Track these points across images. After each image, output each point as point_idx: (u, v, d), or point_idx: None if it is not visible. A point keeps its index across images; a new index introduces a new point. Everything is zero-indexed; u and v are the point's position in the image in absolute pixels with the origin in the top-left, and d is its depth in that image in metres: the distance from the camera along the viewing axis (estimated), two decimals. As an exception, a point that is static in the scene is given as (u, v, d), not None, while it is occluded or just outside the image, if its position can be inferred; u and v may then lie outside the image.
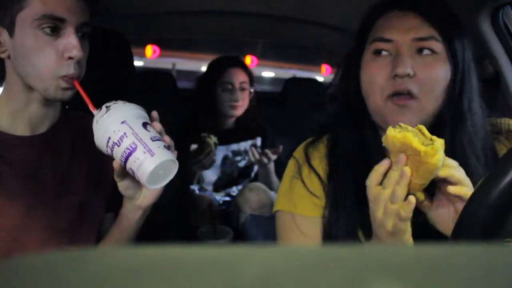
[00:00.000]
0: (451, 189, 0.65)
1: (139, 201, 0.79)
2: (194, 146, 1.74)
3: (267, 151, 1.74)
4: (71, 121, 0.89)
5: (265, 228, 1.39)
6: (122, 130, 0.69)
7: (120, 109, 0.70)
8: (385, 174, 0.67)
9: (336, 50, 2.13)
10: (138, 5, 1.48)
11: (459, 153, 0.74)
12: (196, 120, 1.84)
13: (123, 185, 0.77)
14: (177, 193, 1.30)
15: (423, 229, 0.71)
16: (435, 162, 0.62)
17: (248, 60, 4.64)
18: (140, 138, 0.69)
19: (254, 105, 1.89)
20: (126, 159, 0.69)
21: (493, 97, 1.09)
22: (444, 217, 0.68)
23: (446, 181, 0.66)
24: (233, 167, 1.89)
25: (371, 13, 0.83)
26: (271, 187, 1.74)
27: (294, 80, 2.78)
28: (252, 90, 1.86)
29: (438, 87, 0.76)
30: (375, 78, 0.78)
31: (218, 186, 1.88)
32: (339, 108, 0.88)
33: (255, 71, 3.03)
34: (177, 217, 1.41)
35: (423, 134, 0.65)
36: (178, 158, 0.72)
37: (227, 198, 1.84)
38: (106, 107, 0.71)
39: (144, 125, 0.71)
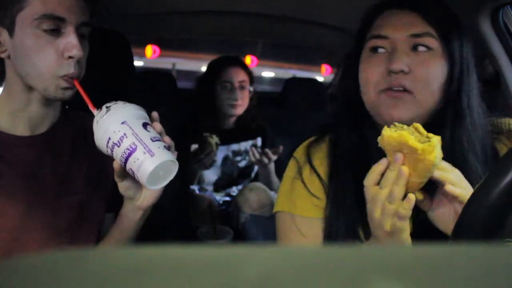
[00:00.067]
0: (448, 187, 0.65)
1: (139, 202, 0.79)
2: (194, 146, 1.74)
3: (267, 150, 1.74)
4: (71, 121, 0.89)
5: (265, 228, 1.39)
6: (122, 130, 0.69)
7: (120, 110, 0.70)
8: (383, 174, 0.67)
9: (336, 50, 2.13)
10: (138, 5, 1.48)
11: (458, 152, 0.74)
12: (196, 120, 1.83)
13: (123, 186, 0.77)
14: (177, 193, 1.30)
15: (423, 227, 0.71)
16: (432, 158, 0.62)
17: (248, 60, 4.64)
18: (140, 139, 0.69)
19: (254, 104, 1.89)
20: (126, 159, 0.69)
21: (493, 97, 1.09)
22: (445, 216, 0.68)
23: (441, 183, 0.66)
24: (234, 167, 1.89)
25: (370, 12, 0.84)
26: (271, 187, 1.74)
27: (294, 80, 2.78)
28: (251, 89, 1.86)
29: (434, 83, 0.76)
30: (371, 74, 0.78)
31: (218, 186, 1.87)
32: (339, 108, 0.89)
33: (255, 71, 3.03)
34: (177, 217, 1.41)
35: (419, 132, 0.65)
36: (178, 159, 0.72)
37: (227, 198, 1.84)
38: (106, 107, 0.71)
39: (144, 125, 0.71)
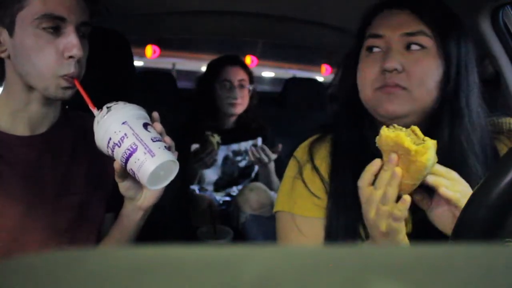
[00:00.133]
0: (441, 190, 0.66)
1: (140, 202, 0.79)
2: (195, 146, 1.74)
3: (264, 147, 1.74)
4: (71, 121, 0.89)
5: (265, 228, 1.39)
6: (123, 130, 0.69)
7: (121, 110, 0.70)
8: (377, 175, 0.67)
9: (336, 50, 2.13)
10: (138, 5, 1.48)
11: (457, 152, 0.74)
12: (197, 120, 1.83)
13: (124, 186, 0.77)
14: (177, 193, 1.30)
15: (421, 226, 0.71)
16: (424, 160, 0.63)
17: (248, 60, 4.65)
18: (141, 139, 0.69)
19: (254, 104, 1.89)
20: (127, 159, 0.69)
21: (493, 97, 1.09)
22: (443, 216, 0.69)
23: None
24: (234, 167, 1.89)
25: (369, 12, 0.84)
26: (271, 187, 1.74)
27: (294, 80, 2.78)
28: (251, 88, 1.86)
29: (429, 81, 0.76)
30: (368, 73, 0.79)
31: (219, 186, 1.87)
32: (339, 108, 0.89)
33: (255, 71, 3.03)
34: (177, 217, 1.41)
35: (416, 135, 0.66)
36: (179, 159, 0.72)
37: (227, 198, 1.84)
38: (107, 107, 0.71)
39: (145, 125, 0.71)
